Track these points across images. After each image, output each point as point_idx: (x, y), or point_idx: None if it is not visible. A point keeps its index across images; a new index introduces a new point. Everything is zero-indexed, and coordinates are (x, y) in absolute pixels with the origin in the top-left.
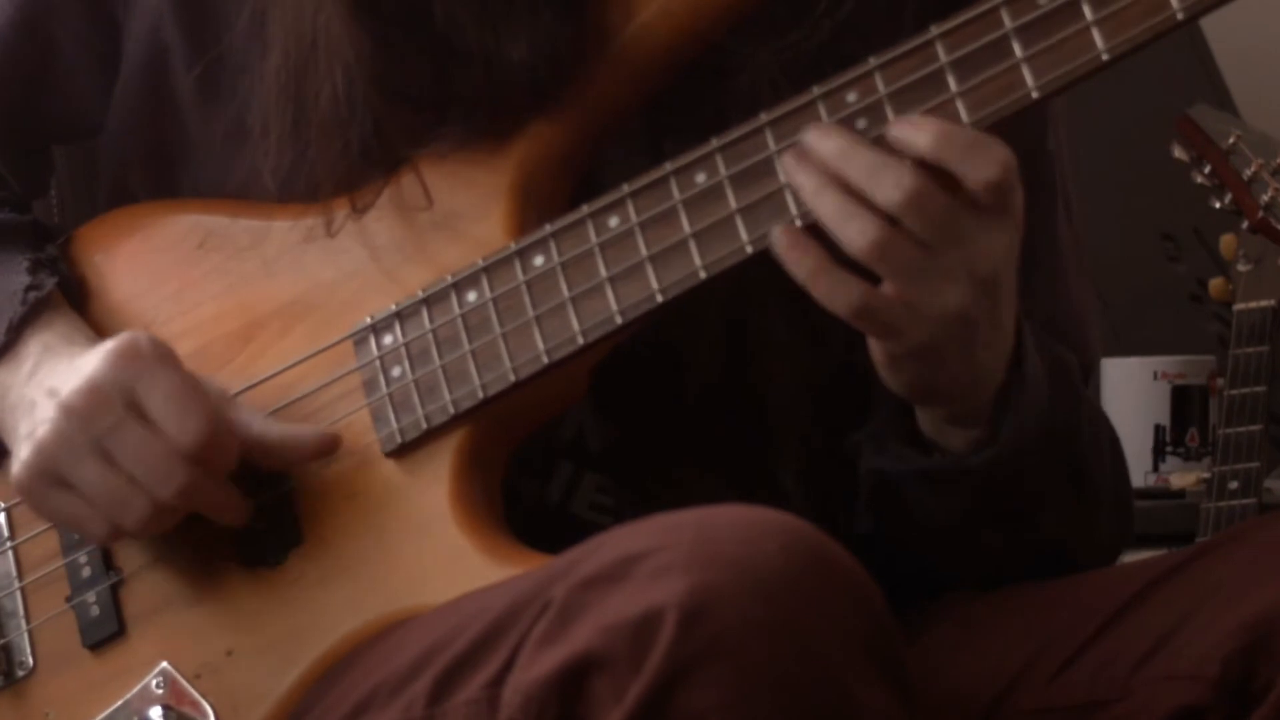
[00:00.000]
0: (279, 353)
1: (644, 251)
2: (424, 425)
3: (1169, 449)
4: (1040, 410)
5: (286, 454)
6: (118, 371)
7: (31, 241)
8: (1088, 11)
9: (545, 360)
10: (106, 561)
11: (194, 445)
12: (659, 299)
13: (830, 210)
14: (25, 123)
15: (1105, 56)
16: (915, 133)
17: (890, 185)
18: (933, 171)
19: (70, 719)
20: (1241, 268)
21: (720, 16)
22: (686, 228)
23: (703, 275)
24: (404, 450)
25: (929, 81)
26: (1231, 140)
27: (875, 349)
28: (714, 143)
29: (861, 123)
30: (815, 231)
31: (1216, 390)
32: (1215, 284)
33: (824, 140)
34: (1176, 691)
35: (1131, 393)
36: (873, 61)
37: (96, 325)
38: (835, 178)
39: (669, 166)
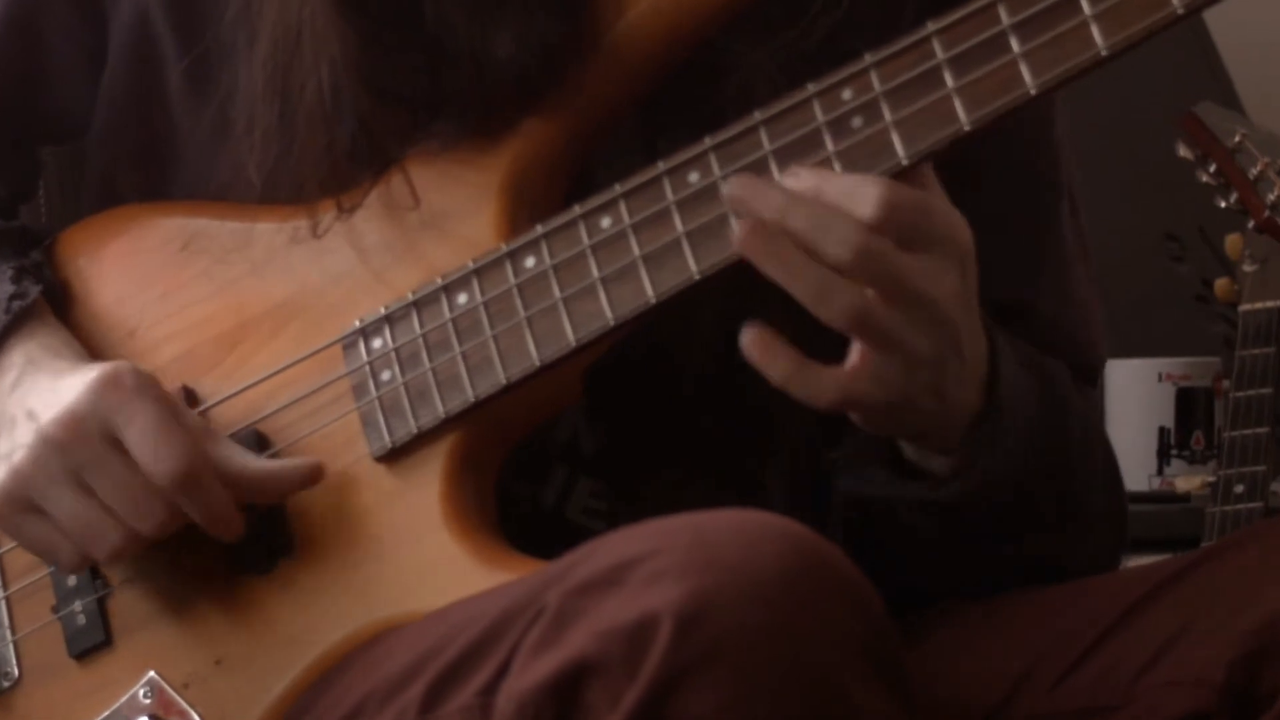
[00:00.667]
0: (267, 356)
1: (637, 252)
2: (415, 430)
3: (1174, 452)
4: (1019, 432)
5: (269, 488)
6: (97, 402)
7: (17, 248)
8: (1086, 6)
9: (537, 363)
10: (93, 571)
11: (170, 480)
12: (652, 300)
13: (808, 291)
14: (16, 121)
15: (1104, 52)
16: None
17: (835, 242)
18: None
19: None
20: (1247, 268)
21: (713, 14)
22: (680, 228)
23: (696, 277)
24: (395, 455)
25: (925, 78)
26: (1237, 138)
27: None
28: (707, 142)
29: (857, 120)
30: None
31: (1222, 392)
32: (1220, 284)
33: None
34: (1181, 698)
35: (1135, 395)
36: (868, 58)
37: (82, 330)
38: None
39: (662, 166)
